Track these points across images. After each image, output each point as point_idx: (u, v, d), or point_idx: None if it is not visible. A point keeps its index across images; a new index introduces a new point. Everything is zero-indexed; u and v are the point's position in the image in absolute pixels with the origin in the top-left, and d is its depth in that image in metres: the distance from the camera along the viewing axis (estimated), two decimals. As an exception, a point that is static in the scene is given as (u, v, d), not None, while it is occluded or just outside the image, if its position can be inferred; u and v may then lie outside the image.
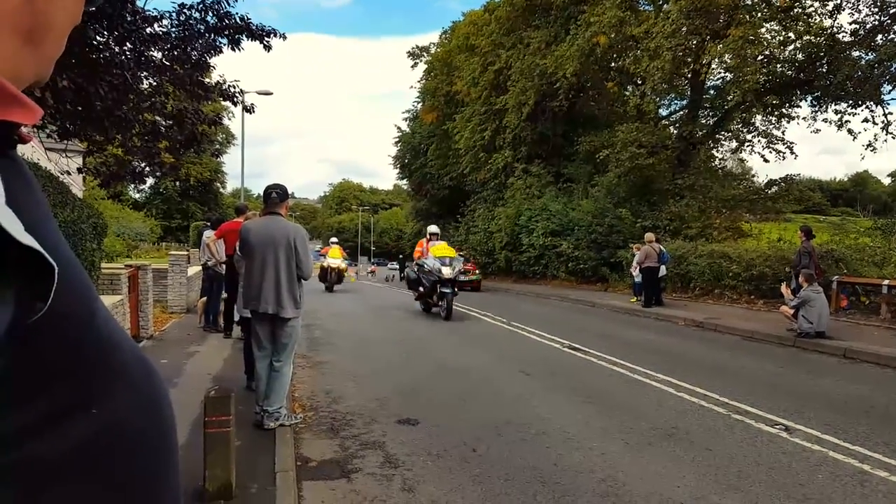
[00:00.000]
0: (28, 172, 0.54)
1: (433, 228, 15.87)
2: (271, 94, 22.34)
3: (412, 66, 45.31)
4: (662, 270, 16.05)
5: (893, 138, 19.23)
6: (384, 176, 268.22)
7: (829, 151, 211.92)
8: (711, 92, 23.97)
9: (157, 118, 8.72)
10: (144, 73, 7.76)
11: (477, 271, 24.93)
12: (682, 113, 25.73)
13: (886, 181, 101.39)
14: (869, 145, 19.62)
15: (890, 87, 18.53)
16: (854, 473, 4.66)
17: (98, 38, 6.84)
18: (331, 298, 20.12)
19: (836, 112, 20.26)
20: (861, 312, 12.96)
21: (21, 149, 0.54)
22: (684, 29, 19.20)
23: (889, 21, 17.67)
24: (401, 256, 45.25)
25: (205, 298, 10.89)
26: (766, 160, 24.50)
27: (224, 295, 9.91)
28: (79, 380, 0.52)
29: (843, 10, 18.83)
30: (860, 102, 19.30)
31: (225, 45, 7.88)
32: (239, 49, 7.90)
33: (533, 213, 26.03)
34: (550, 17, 27.10)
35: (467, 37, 32.74)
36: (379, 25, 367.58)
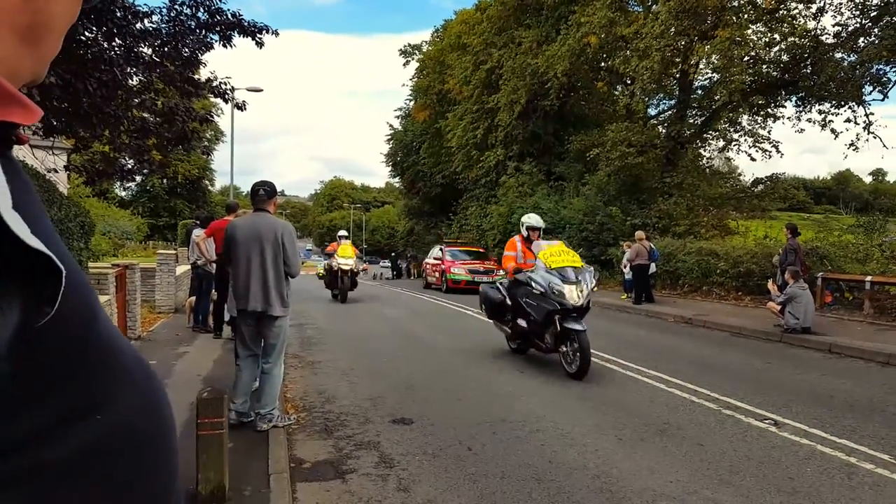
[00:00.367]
0: (24, 173, 0.53)
1: (533, 220, 9.28)
2: (262, 90, 22.27)
3: (404, 65, 45.15)
4: (652, 268, 16.18)
5: (875, 138, 19.47)
6: (376, 174, 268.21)
7: (813, 150, 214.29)
8: (699, 92, 24.13)
9: (147, 115, 8.65)
10: (134, 70, 7.68)
11: (502, 272, 21.49)
12: (670, 112, 25.87)
13: (867, 179, 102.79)
14: (851, 145, 19.86)
15: (871, 88, 18.74)
16: (841, 466, 4.74)
17: (87, 33, 6.77)
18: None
19: (820, 112, 20.49)
20: (845, 308, 13.13)
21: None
22: (673, 30, 19.32)
23: (870, 24, 17.87)
24: (393, 254, 45.17)
25: (193, 298, 10.81)
26: (752, 159, 24.71)
27: (214, 294, 9.86)
28: (83, 383, 0.52)
29: (826, 12, 19.03)
30: (843, 103, 19.51)
31: (216, 41, 7.83)
32: (231, 46, 7.86)
33: (525, 210, 26.05)
34: (542, 16, 27.17)
35: (459, 35, 32.73)
36: (370, 23, 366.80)
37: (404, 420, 5.90)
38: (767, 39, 19.75)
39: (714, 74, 22.53)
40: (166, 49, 7.58)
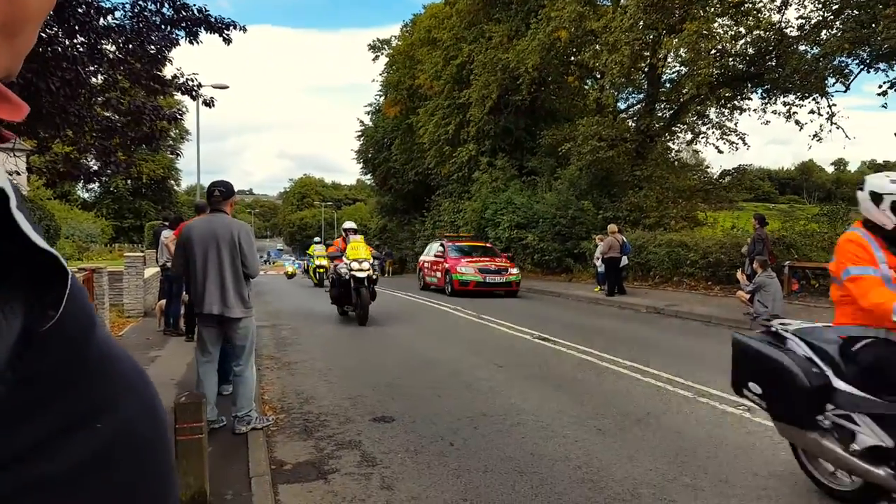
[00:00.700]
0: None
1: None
2: (227, 87, 21.89)
3: (373, 59, 44.71)
4: (624, 260, 16.39)
5: (838, 129, 19.96)
6: (347, 170, 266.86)
7: (777, 142, 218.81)
8: (667, 85, 24.47)
9: (111, 115, 8.43)
10: (98, 68, 7.48)
11: (515, 270, 18.65)
12: (639, 106, 26.18)
13: (830, 169, 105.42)
14: (815, 136, 20.33)
15: (834, 80, 19.17)
16: (817, 452, 4.84)
17: (48, 30, 6.57)
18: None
19: (785, 104, 20.96)
20: (811, 295, 13.46)
21: None
22: (641, 23, 19.51)
23: (832, 17, 18.28)
24: None
25: (164, 301, 10.63)
26: (720, 151, 25.18)
27: (185, 297, 9.69)
28: (84, 391, 0.50)
29: (790, 5, 19.41)
30: (807, 95, 19.96)
31: (182, 37, 7.67)
32: (197, 42, 7.69)
33: (498, 206, 26.17)
34: (511, 11, 27.22)
35: (429, 30, 32.63)
36: (337, 18, 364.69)
37: (385, 418, 5.88)
38: (733, 33, 20.07)
39: (682, 68, 22.88)
40: (131, 46, 7.39)
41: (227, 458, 4.71)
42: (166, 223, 11.37)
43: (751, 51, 20.97)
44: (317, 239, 23.20)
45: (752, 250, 12.41)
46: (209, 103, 9.22)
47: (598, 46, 21.57)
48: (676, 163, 26.07)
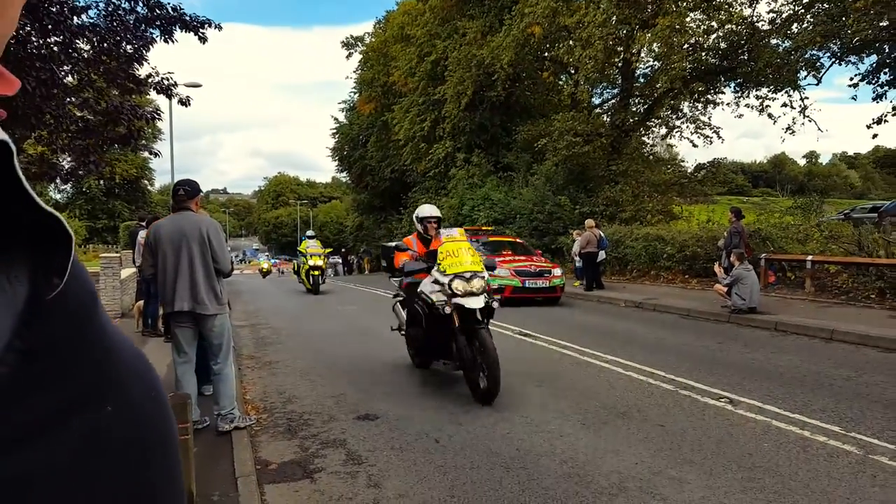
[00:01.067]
0: None
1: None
2: (200, 86, 21.52)
3: (347, 57, 44.36)
4: (602, 255, 16.49)
5: (810, 121, 20.30)
6: (322, 168, 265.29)
7: (749, 135, 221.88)
8: (641, 80, 24.65)
9: (88, 115, 8.27)
10: (73, 67, 7.34)
11: (559, 271, 15.00)
12: (614, 101, 26.37)
13: (802, 162, 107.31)
14: (788, 128, 20.68)
15: (806, 73, 19.51)
16: (796, 440, 4.93)
17: (22, 29, 6.43)
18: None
19: (758, 97, 21.24)
20: (788, 287, 13.68)
21: None
22: (614, 18, 19.68)
23: (803, 10, 18.58)
24: (343, 250, 44.73)
25: (142, 302, 10.48)
26: (694, 145, 25.58)
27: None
28: (91, 369, 0.48)
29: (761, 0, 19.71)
30: (779, 88, 20.26)
31: (157, 36, 7.55)
32: (172, 41, 7.59)
33: (475, 202, 26.20)
34: (485, 6, 27.22)
35: (402, 27, 32.52)
36: (310, 15, 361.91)
37: (369, 416, 5.85)
38: (706, 27, 20.31)
39: (655, 62, 23.05)
40: (105, 45, 7.26)
41: (212, 458, 4.66)
42: (143, 223, 11.21)
43: (723, 45, 21.23)
44: (310, 232, 20.88)
45: (729, 243, 12.59)
46: (185, 102, 9.07)
47: (571, 42, 21.69)
48: (651, 157, 26.33)
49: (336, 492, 4.21)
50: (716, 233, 15.77)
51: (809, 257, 13.17)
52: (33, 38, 6.67)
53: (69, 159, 9.12)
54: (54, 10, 6.33)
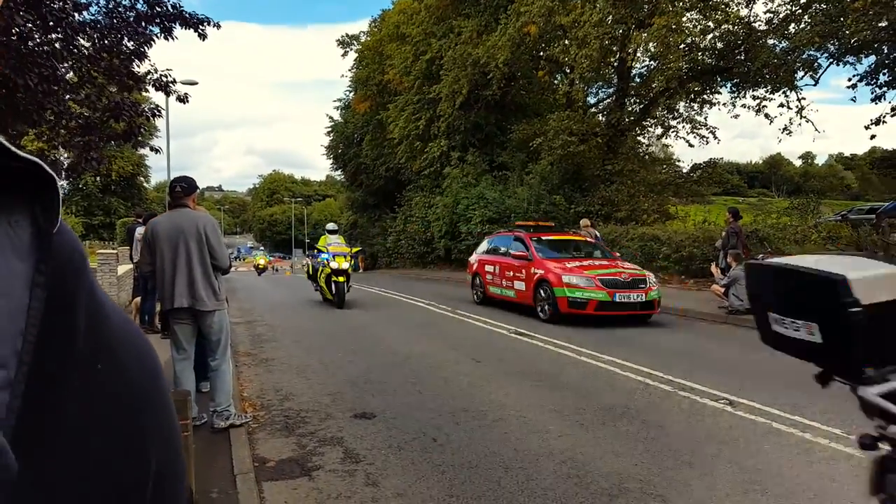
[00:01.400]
0: None
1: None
2: (196, 83, 21.39)
3: (342, 55, 44.25)
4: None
5: (807, 122, 20.31)
6: (317, 166, 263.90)
7: (744, 135, 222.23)
8: (637, 80, 24.66)
9: (86, 111, 8.20)
10: (73, 63, 7.29)
11: (653, 278, 11.85)
12: (609, 101, 26.37)
13: (798, 162, 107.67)
14: (785, 129, 20.67)
15: (803, 74, 19.52)
16: (797, 442, 4.92)
17: (25, 24, 6.37)
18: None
19: (755, 98, 21.23)
20: (785, 288, 13.66)
21: None
22: (610, 18, 19.65)
23: (800, 10, 18.60)
24: None
25: (139, 298, 10.43)
26: (690, 145, 25.50)
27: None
28: (82, 327, 0.47)
29: (758, 0, 19.75)
30: (777, 88, 20.26)
31: (157, 33, 7.50)
32: (172, 38, 7.54)
33: (470, 201, 26.17)
34: (480, 6, 27.15)
35: (397, 25, 32.40)
36: (306, 13, 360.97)
37: (366, 414, 5.82)
38: (702, 27, 20.31)
39: (651, 62, 23.05)
40: (106, 42, 7.21)
41: (210, 455, 4.62)
42: (139, 220, 11.20)
43: (720, 45, 21.23)
44: (332, 225, 15.48)
45: (727, 244, 12.58)
46: (183, 99, 9.01)
47: (567, 41, 21.66)
48: (647, 157, 26.34)
49: (334, 490, 4.18)
50: (712, 233, 15.78)
51: (806, 258, 13.17)
52: (35, 35, 6.62)
53: (66, 155, 9.07)
54: (56, 6, 6.29)
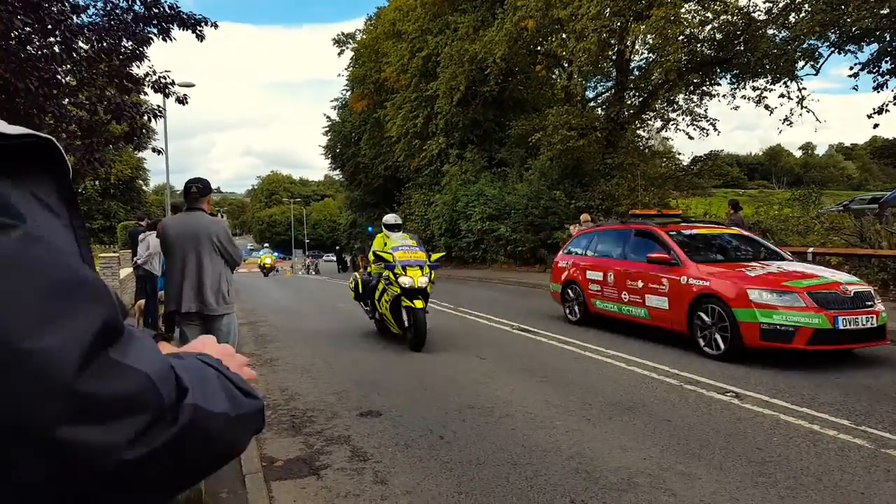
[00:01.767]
0: None
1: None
2: (193, 85, 21.35)
3: (339, 54, 44.28)
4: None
5: (808, 112, 20.28)
6: (315, 166, 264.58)
7: (744, 127, 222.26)
8: (636, 72, 24.59)
9: (84, 114, 8.18)
10: (73, 66, 7.28)
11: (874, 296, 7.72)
12: (608, 94, 26.32)
13: (798, 154, 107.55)
14: (786, 119, 20.64)
15: (803, 63, 19.47)
16: (806, 434, 4.90)
17: (24, 28, 6.35)
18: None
19: (754, 89, 21.22)
20: (787, 279, 13.65)
21: None
22: (608, 10, 19.58)
23: (800, 0, 18.53)
24: (337, 248, 44.62)
25: (142, 301, 10.42)
26: (690, 137, 25.50)
27: (161, 295, 9.50)
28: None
29: (757, -11, 19.65)
30: (777, 78, 20.21)
31: (155, 35, 7.48)
32: (170, 39, 7.52)
33: (469, 198, 26.16)
34: (476, 1, 27.10)
35: (393, 23, 32.34)
36: (300, 13, 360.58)
37: (372, 413, 5.81)
38: (701, 17, 20.26)
39: (650, 54, 22.99)
40: (105, 44, 7.18)
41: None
42: (141, 224, 11.24)
43: (719, 36, 21.18)
44: (391, 217, 9.92)
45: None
46: (182, 101, 8.97)
47: (564, 35, 21.62)
48: (647, 150, 26.30)
49: (343, 488, 4.17)
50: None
51: (810, 249, 13.16)
52: (35, 39, 6.61)
53: (69, 159, 9.03)
54: (55, 9, 6.27)
